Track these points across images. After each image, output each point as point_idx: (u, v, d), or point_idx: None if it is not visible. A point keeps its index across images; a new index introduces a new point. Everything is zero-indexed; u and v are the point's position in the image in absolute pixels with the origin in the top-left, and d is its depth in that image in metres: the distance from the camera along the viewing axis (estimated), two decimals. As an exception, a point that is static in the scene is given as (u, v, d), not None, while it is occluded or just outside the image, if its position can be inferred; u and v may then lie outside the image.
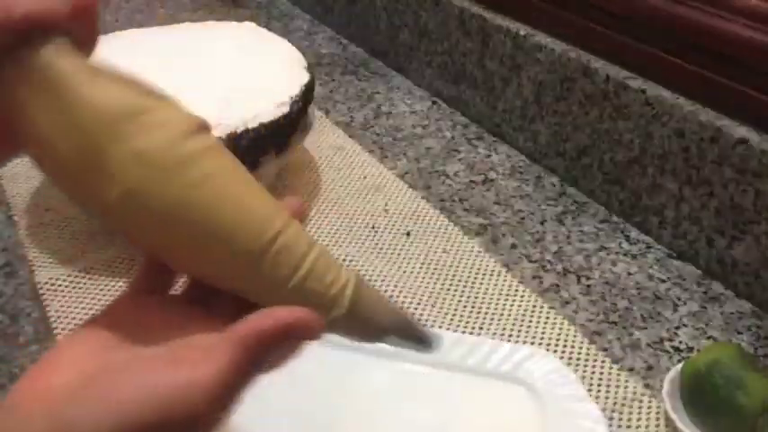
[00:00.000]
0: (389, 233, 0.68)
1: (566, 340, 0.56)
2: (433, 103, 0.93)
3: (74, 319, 0.57)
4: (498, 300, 0.60)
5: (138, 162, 0.27)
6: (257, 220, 0.29)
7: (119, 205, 0.27)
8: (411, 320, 0.33)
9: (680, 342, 0.57)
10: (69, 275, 0.62)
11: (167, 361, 0.27)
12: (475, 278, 0.62)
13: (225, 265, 0.29)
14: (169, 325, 0.29)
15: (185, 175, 0.28)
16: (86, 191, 0.28)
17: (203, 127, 0.29)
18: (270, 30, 0.78)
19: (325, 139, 0.83)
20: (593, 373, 0.54)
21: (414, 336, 0.33)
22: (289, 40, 0.76)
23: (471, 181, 0.77)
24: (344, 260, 0.64)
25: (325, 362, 0.51)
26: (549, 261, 0.65)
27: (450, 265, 0.64)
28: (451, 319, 0.58)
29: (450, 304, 0.60)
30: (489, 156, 0.81)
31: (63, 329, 0.56)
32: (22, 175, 0.75)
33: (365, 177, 0.77)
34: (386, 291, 0.61)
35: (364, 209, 0.71)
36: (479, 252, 0.66)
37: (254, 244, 0.28)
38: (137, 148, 0.27)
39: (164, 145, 0.27)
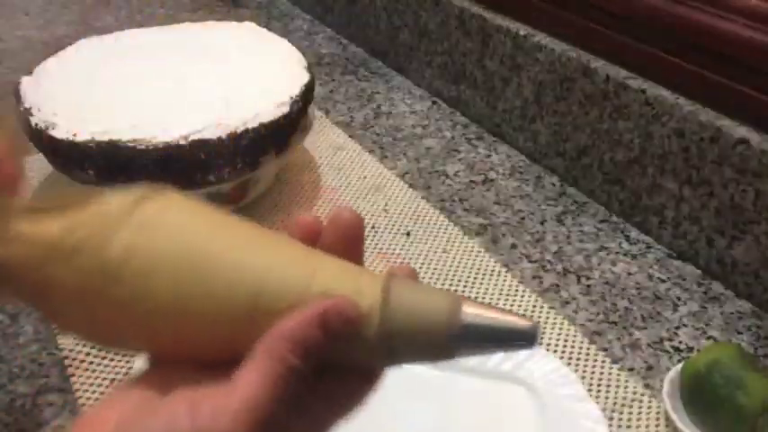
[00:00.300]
0: (389, 233, 0.68)
1: (566, 340, 0.56)
2: (433, 103, 0.93)
3: (74, 319, 0.57)
4: (498, 300, 0.60)
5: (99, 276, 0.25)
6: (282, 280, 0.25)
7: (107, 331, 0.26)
8: (489, 313, 0.25)
9: (680, 342, 0.57)
10: (69, 275, 0.62)
11: (191, 397, 0.24)
12: (475, 278, 0.62)
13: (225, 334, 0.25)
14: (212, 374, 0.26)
15: (163, 272, 0.25)
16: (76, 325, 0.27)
17: (144, 197, 0.26)
18: (270, 30, 0.78)
19: (325, 139, 0.83)
20: (593, 373, 0.54)
21: (499, 330, 0.25)
22: (289, 40, 0.76)
23: (471, 181, 0.77)
24: (344, 260, 0.64)
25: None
26: (549, 261, 0.65)
27: (451, 265, 0.64)
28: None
29: (451, 304, 0.59)
30: (489, 156, 0.81)
31: (63, 329, 0.56)
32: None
33: (365, 177, 0.77)
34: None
35: (364, 209, 0.71)
36: (479, 252, 0.66)
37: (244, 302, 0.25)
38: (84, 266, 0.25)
39: (97, 253, 0.25)
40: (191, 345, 0.26)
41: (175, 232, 0.25)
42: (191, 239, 0.25)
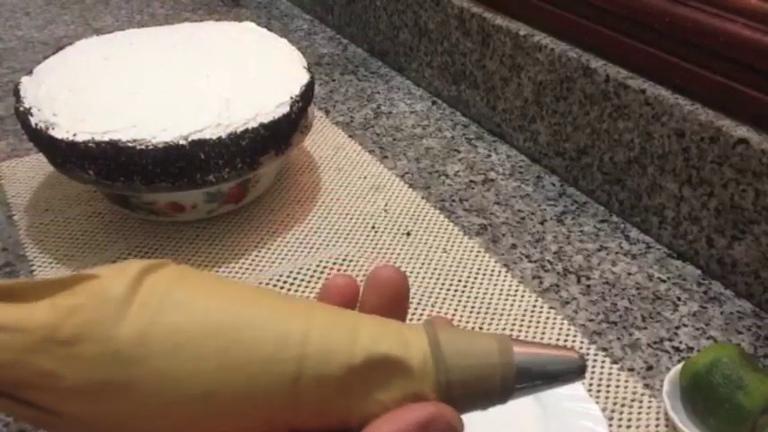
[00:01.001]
0: (389, 233, 0.68)
1: (566, 340, 0.56)
2: (433, 103, 0.93)
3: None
4: (498, 300, 0.60)
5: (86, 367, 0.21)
6: (269, 343, 0.22)
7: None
8: (536, 353, 0.25)
9: (680, 342, 0.57)
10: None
11: None
12: (475, 278, 0.62)
13: (258, 412, 0.22)
14: None
15: (162, 343, 0.22)
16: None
17: (145, 272, 0.23)
18: (270, 30, 0.78)
19: (325, 139, 0.83)
20: (593, 373, 0.54)
21: (548, 369, 0.25)
22: (289, 40, 0.76)
23: (471, 181, 0.77)
24: (344, 260, 0.64)
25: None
26: (548, 261, 0.65)
27: (451, 265, 0.64)
28: (451, 319, 0.58)
29: (451, 304, 0.60)
30: (489, 156, 0.81)
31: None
32: (22, 175, 0.75)
33: (365, 177, 0.77)
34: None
35: (364, 209, 0.71)
36: (479, 252, 0.66)
37: (276, 374, 0.22)
38: (81, 353, 0.21)
39: (95, 360, 0.22)
40: None
41: (193, 307, 0.23)
42: (214, 314, 0.23)
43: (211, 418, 0.22)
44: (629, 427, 0.50)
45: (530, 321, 0.58)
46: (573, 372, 0.25)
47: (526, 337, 0.56)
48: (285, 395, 0.22)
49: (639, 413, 0.51)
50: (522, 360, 0.24)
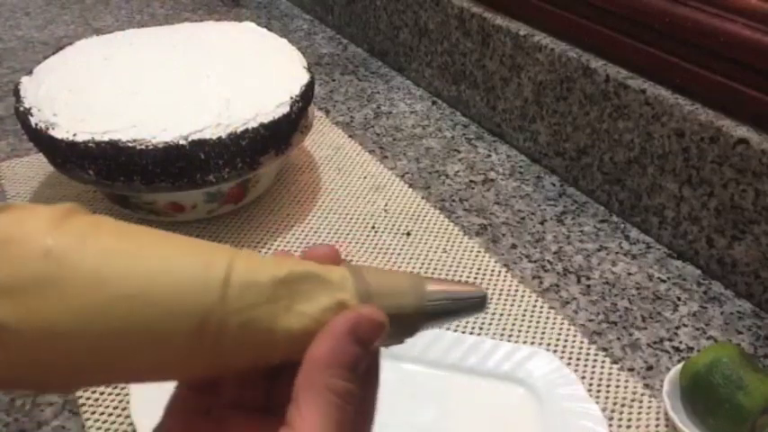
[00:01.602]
0: (389, 233, 0.68)
1: (566, 340, 0.56)
2: (433, 103, 0.93)
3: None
4: (498, 300, 0.60)
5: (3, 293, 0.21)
6: (193, 279, 0.23)
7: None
8: (444, 286, 0.27)
9: (680, 342, 0.57)
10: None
11: None
12: (475, 278, 0.62)
13: (182, 346, 0.22)
14: None
15: (69, 283, 0.22)
16: None
17: (68, 213, 0.23)
18: (270, 30, 0.78)
19: (325, 139, 0.83)
20: (593, 373, 0.54)
21: (456, 300, 0.27)
22: (289, 40, 0.76)
23: (471, 181, 0.77)
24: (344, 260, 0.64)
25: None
26: (548, 261, 0.65)
27: (451, 265, 0.64)
28: None
29: (451, 304, 0.59)
30: (489, 156, 0.81)
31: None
32: (22, 175, 0.75)
33: (365, 177, 0.77)
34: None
35: (364, 209, 0.71)
36: (479, 252, 0.66)
37: (200, 306, 0.22)
38: None
39: (24, 261, 0.21)
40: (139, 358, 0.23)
41: (110, 245, 0.23)
42: (144, 233, 0.24)
43: (137, 330, 0.22)
44: (629, 427, 0.50)
45: (530, 321, 0.58)
46: (478, 298, 0.28)
47: (526, 336, 0.56)
48: (213, 304, 0.23)
49: (639, 413, 0.51)
50: (433, 287, 0.27)
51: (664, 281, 0.63)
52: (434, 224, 0.69)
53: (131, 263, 0.22)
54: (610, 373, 0.54)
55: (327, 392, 0.23)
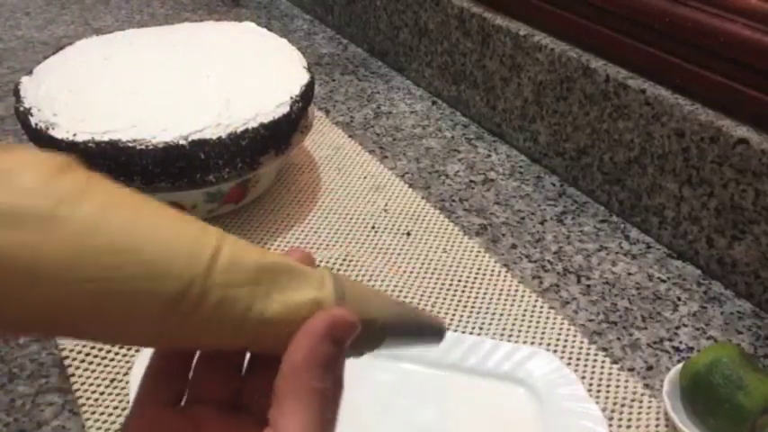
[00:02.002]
0: (389, 233, 0.68)
1: (566, 340, 0.56)
2: (433, 103, 0.93)
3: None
4: (498, 300, 0.60)
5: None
6: (183, 247, 0.23)
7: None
8: (410, 309, 0.29)
9: (680, 342, 0.57)
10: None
11: None
12: (475, 278, 0.62)
13: (160, 309, 0.23)
14: None
15: (67, 225, 0.22)
16: None
17: (69, 165, 0.23)
18: (270, 30, 0.78)
19: (325, 139, 0.83)
20: (593, 373, 0.54)
21: (419, 325, 0.29)
22: (289, 40, 0.76)
23: (471, 181, 0.77)
24: (344, 260, 0.64)
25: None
26: (548, 261, 0.65)
27: (451, 265, 0.64)
28: (451, 319, 0.58)
29: (450, 304, 0.60)
30: (489, 156, 0.81)
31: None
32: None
33: (365, 177, 0.77)
34: (386, 291, 0.61)
35: (364, 209, 0.71)
36: (479, 252, 0.66)
37: (186, 273, 0.23)
38: None
39: (26, 194, 0.21)
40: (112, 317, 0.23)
41: (116, 192, 0.23)
42: (129, 207, 0.24)
43: (120, 286, 0.22)
44: (629, 427, 0.50)
45: (530, 321, 0.58)
46: (438, 326, 0.30)
47: (526, 336, 0.56)
48: (198, 275, 0.23)
49: (639, 413, 0.51)
50: (400, 308, 0.29)
51: (664, 281, 0.63)
52: (434, 224, 0.69)
53: (128, 220, 0.23)
54: (610, 373, 0.54)
55: (306, 394, 0.23)
